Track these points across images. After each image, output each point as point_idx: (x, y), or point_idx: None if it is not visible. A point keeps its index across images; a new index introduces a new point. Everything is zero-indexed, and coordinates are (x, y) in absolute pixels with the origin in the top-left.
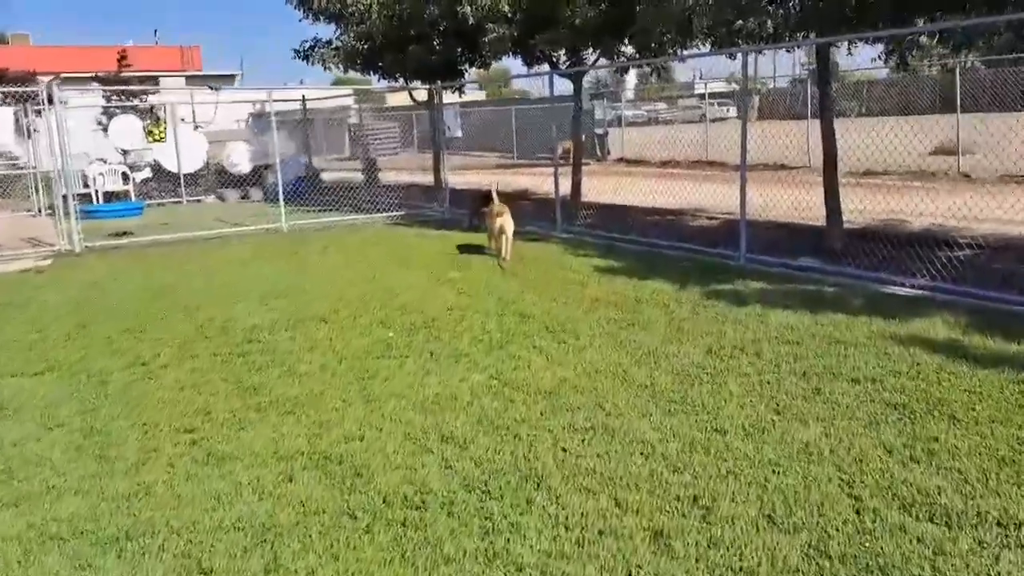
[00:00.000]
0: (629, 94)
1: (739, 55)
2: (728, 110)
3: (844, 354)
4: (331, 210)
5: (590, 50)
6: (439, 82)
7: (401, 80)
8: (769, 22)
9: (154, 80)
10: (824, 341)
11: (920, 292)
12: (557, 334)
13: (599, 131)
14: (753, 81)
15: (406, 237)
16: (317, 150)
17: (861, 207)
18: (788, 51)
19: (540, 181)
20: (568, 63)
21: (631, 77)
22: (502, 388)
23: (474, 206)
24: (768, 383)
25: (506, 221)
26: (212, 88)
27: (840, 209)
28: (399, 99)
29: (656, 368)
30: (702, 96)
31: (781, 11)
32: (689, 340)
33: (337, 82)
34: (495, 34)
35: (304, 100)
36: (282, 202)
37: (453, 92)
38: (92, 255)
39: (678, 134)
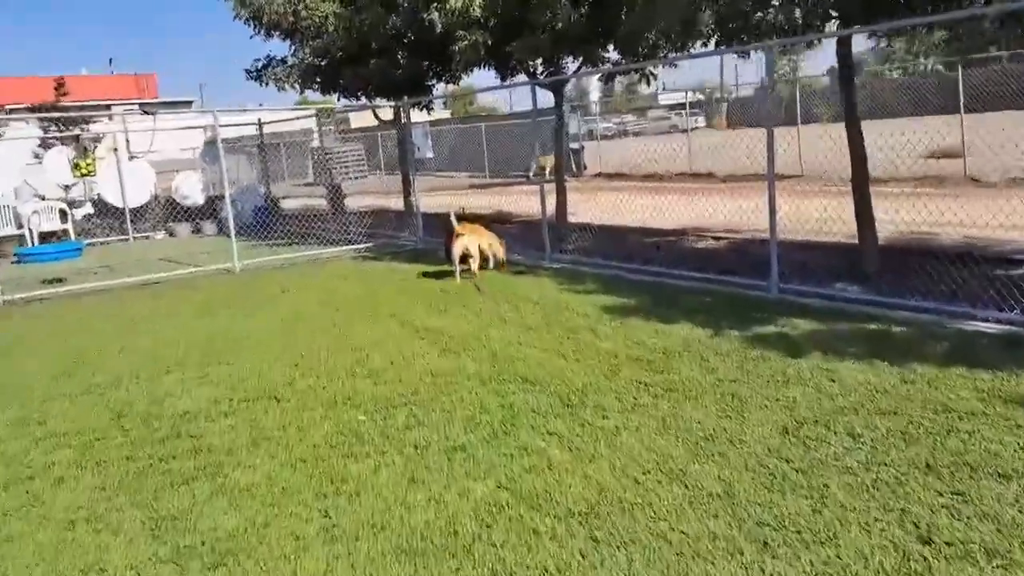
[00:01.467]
0: (593, 107)
1: (750, 54)
2: (697, 120)
3: (965, 430)
4: (293, 243)
5: (570, 58)
6: (406, 98)
7: (363, 98)
8: (798, 11)
9: (106, 109)
10: (928, 409)
11: (1010, 328)
12: (577, 410)
13: (574, 145)
14: (721, 88)
15: (376, 273)
16: (278, 177)
17: (877, 218)
18: (811, 44)
19: (517, 201)
20: (545, 72)
21: (594, 89)
22: (518, 507)
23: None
24: (887, 484)
25: (470, 243)
26: (147, 112)
27: (874, 225)
28: (364, 120)
29: (723, 463)
30: (670, 107)
31: None
32: (752, 413)
33: (301, 103)
34: (467, 41)
35: (260, 124)
36: (233, 238)
37: (420, 110)
38: (13, 310)
39: (659, 146)
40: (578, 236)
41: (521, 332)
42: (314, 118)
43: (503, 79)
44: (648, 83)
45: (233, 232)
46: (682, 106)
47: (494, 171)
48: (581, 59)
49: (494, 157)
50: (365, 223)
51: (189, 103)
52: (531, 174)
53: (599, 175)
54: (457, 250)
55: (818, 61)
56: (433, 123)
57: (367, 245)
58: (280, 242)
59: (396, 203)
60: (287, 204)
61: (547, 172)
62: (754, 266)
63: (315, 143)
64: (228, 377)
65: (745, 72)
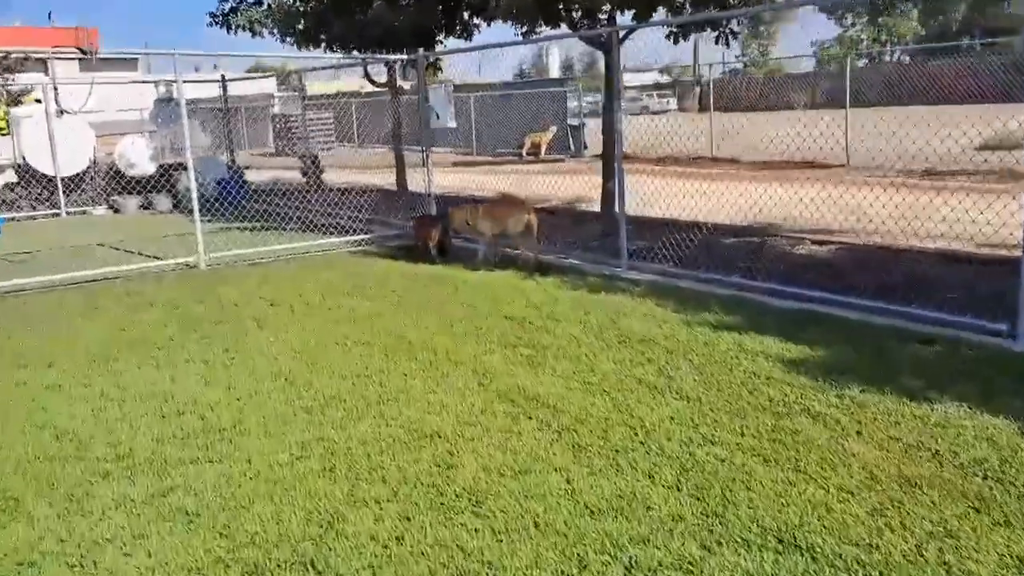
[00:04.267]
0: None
1: None
2: (668, 102)
3: None
4: (270, 227)
5: (622, 12)
6: (421, 51)
7: (355, 52)
8: None
9: (39, 62)
10: None
11: None
12: None
13: (573, 122)
14: (695, 70)
15: (396, 282)
16: (238, 145)
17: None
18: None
19: (521, 182)
20: (584, 27)
21: (554, 60)
22: None
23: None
24: None
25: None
26: (85, 53)
27: None
28: (321, 86)
29: None
30: (640, 88)
31: None
32: None
33: (253, 70)
34: None
35: (224, 81)
36: (199, 227)
37: (433, 71)
38: None
39: (678, 126)
40: (634, 231)
41: (694, 413)
42: (274, 80)
43: (527, 34)
44: (728, 44)
45: (197, 211)
46: (652, 87)
47: (484, 147)
48: (634, 10)
49: (485, 131)
50: (355, 204)
51: (135, 60)
52: (524, 152)
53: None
54: (520, 225)
55: (789, 42)
56: (370, 95)
57: (366, 236)
58: (254, 225)
59: (371, 180)
60: (252, 176)
61: (541, 150)
62: (909, 286)
63: (276, 108)
64: (205, 500)
65: (708, 54)
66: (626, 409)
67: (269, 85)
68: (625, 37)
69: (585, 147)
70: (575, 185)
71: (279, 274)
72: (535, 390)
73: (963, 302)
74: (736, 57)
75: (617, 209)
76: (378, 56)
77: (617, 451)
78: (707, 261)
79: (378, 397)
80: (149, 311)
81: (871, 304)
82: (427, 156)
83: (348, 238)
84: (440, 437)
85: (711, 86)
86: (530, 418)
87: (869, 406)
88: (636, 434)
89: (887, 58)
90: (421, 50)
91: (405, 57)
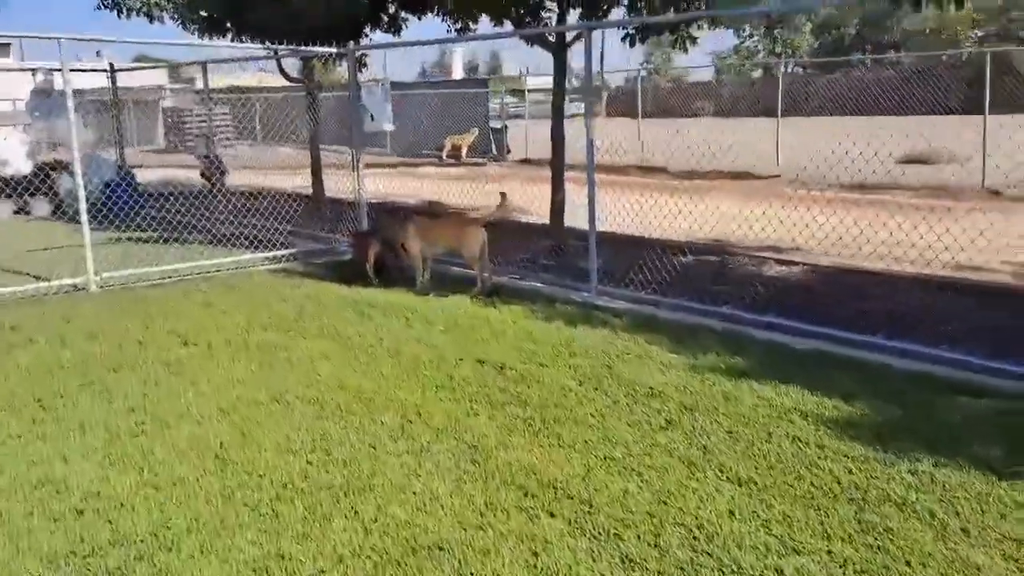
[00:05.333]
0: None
1: None
2: (577, 107)
3: None
4: (170, 239)
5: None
6: (352, 44)
7: (269, 43)
8: None
9: None
10: None
11: None
12: None
13: (495, 124)
14: (602, 75)
15: (331, 310)
16: (126, 141)
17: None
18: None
19: (442, 188)
20: (529, 25)
21: (458, 60)
22: None
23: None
24: None
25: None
26: None
27: None
28: (218, 80)
29: None
30: (545, 91)
31: None
32: None
33: (138, 59)
34: None
35: (113, 70)
36: (88, 239)
37: (358, 67)
38: None
39: (601, 132)
40: (577, 248)
41: (754, 503)
42: (165, 71)
43: (463, 31)
44: (686, 48)
45: (86, 221)
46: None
47: (402, 149)
48: (580, 8)
49: (403, 132)
50: (279, 217)
51: (7, 46)
52: (444, 155)
53: (526, 161)
54: (475, 245)
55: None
56: (242, 90)
57: (288, 252)
58: (151, 236)
59: (281, 183)
60: (143, 176)
61: (462, 153)
62: (912, 321)
63: (167, 102)
64: None
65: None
66: (670, 499)
67: (159, 76)
68: (575, 39)
69: (508, 151)
70: (506, 193)
71: (189, 300)
72: (548, 472)
73: (985, 341)
74: (640, 64)
75: (588, 227)
76: (304, 49)
77: (682, 568)
78: (677, 284)
79: (345, 484)
80: (28, 352)
81: (886, 343)
82: (358, 161)
83: (267, 254)
84: (442, 550)
85: (639, 92)
86: (552, 515)
87: (956, 489)
88: (696, 539)
89: (783, 69)
90: (351, 43)
91: (334, 51)
